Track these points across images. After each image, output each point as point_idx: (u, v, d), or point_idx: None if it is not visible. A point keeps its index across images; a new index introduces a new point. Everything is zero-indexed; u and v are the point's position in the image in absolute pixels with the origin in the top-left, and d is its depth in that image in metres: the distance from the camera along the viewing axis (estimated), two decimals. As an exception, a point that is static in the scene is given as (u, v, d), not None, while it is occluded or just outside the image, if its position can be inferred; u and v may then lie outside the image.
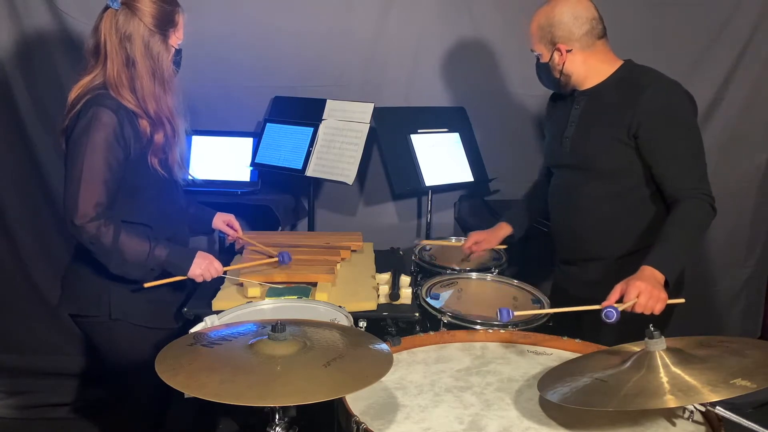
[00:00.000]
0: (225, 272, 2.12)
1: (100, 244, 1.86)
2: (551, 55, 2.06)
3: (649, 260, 1.82)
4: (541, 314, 1.99)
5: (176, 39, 1.99)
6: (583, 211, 2.11)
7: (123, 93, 1.90)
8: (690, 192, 1.93)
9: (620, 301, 1.74)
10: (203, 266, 2.01)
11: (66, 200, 1.86)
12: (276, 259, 2.21)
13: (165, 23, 1.94)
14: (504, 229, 2.39)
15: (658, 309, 1.74)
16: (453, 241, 2.69)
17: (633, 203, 2.04)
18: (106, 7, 1.91)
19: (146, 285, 1.95)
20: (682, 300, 1.79)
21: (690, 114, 2.00)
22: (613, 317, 1.70)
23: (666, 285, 1.79)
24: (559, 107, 2.23)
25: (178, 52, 2.02)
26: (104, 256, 1.89)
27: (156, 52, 1.93)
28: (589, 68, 2.06)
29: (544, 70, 2.12)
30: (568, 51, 2.03)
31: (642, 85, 1.97)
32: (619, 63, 2.08)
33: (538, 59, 2.12)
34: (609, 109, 2.02)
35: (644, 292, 1.73)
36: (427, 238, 3.04)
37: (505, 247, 2.47)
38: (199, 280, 2.03)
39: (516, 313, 1.77)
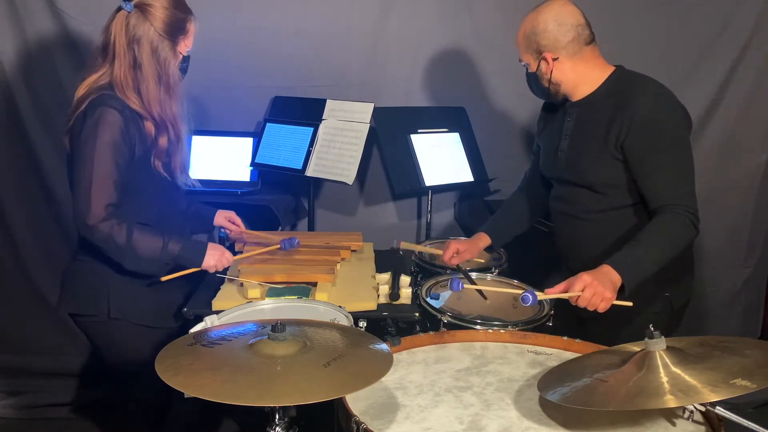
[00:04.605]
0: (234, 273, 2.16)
1: (114, 243, 1.88)
2: (538, 65, 2.01)
3: (611, 260, 1.79)
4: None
5: (185, 46, 2.01)
6: (583, 222, 2.06)
7: (128, 94, 1.92)
8: (672, 207, 1.85)
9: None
10: (216, 257, 2.05)
11: (77, 202, 1.87)
12: (278, 246, 2.26)
13: (175, 30, 1.96)
14: (483, 241, 2.33)
15: (601, 308, 1.72)
16: (427, 246, 2.60)
17: (632, 216, 1.98)
18: (119, 8, 1.93)
19: (163, 279, 1.99)
20: (630, 303, 1.75)
21: (678, 127, 1.92)
22: (529, 301, 1.72)
23: (622, 289, 1.76)
24: (552, 118, 2.18)
25: (186, 58, 2.04)
26: (118, 255, 1.91)
27: (163, 58, 1.94)
28: (579, 76, 2.00)
29: (534, 80, 2.07)
30: (554, 59, 1.98)
31: (630, 95, 1.92)
32: (610, 69, 2.02)
33: (527, 69, 2.07)
34: (600, 122, 1.96)
35: (590, 286, 1.72)
36: (428, 238, 3.04)
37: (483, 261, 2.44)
38: (212, 270, 2.06)
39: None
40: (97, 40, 1.98)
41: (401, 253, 2.61)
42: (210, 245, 2.06)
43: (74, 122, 1.91)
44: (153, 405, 2.15)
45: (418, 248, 2.54)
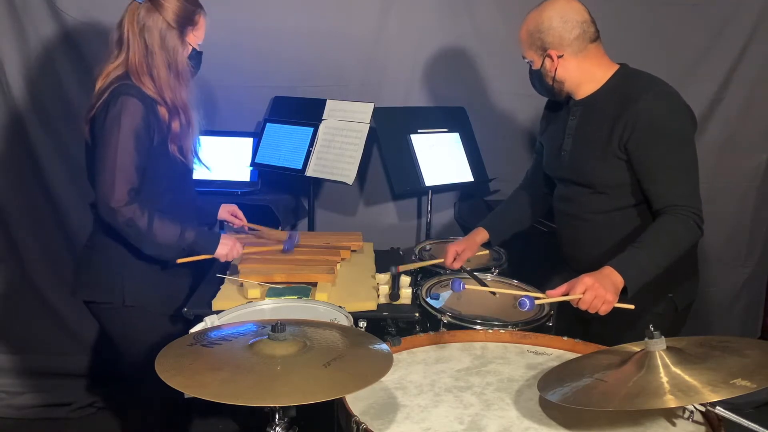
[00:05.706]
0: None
1: (135, 227, 1.95)
2: (543, 62, 1.98)
3: (613, 262, 1.78)
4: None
5: (195, 38, 2.11)
6: (586, 223, 2.04)
7: (144, 80, 2.01)
8: (676, 208, 1.83)
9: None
10: (229, 246, 2.14)
11: (101, 186, 1.95)
12: (281, 246, 2.35)
13: (184, 21, 2.05)
14: (481, 235, 2.30)
15: (603, 310, 1.72)
16: (426, 254, 2.59)
17: (636, 216, 1.96)
18: (132, 0, 2.03)
19: (179, 261, 2.07)
20: (632, 306, 1.74)
21: (682, 127, 1.89)
22: (526, 306, 1.72)
23: (624, 291, 1.75)
24: (555, 117, 2.16)
25: (199, 54, 2.13)
26: (138, 239, 1.98)
27: (171, 46, 2.04)
28: (583, 73, 1.98)
29: (537, 77, 2.04)
30: (559, 57, 1.95)
31: (635, 94, 1.89)
32: (614, 68, 2.00)
33: (530, 66, 2.04)
34: (603, 122, 1.94)
35: (591, 289, 1.71)
36: (428, 238, 3.03)
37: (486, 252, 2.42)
38: (223, 259, 2.16)
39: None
40: (112, 34, 2.07)
41: (401, 253, 2.61)
42: (223, 236, 2.17)
43: (96, 112, 1.98)
44: (157, 405, 2.16)
45: (416, 266, 2.46)
